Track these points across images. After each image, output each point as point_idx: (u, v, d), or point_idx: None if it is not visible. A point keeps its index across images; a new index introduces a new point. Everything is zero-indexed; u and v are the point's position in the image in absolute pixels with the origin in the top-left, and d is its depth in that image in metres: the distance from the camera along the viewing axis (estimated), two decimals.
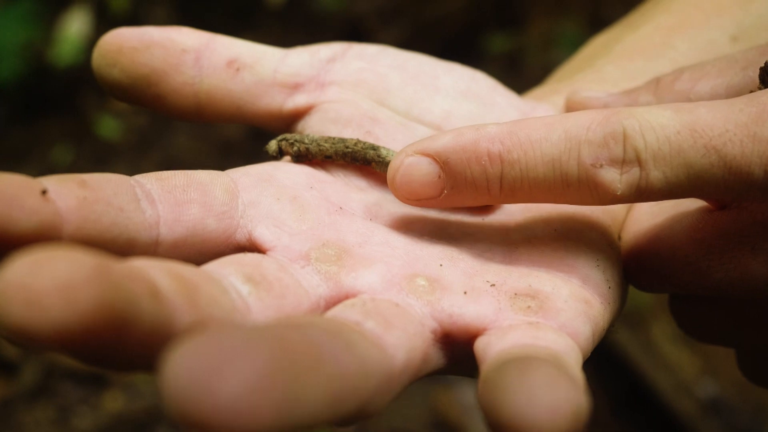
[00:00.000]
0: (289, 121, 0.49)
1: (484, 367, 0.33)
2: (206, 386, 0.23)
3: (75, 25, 2.32)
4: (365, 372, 0.30)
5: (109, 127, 2.24)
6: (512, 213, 0.45)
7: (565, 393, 0.28)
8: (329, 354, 0.28)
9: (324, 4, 3.04)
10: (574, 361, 0.35)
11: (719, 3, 0.55)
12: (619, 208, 0.47)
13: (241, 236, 0.41)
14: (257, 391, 0.24)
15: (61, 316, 0.24)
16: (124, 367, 0.29)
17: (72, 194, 0.34)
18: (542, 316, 0.38)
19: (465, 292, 0.39)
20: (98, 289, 0.25)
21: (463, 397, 1.73)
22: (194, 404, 0.23)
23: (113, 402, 1.66)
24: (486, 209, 0.46)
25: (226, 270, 0.36)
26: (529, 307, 0.38)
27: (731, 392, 1.68)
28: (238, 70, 0.47)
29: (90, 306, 0.24)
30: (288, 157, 0.47)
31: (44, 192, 0.33)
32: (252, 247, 0.41)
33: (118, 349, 0.27)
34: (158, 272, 0.30)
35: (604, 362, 1.80)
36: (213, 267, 0.36)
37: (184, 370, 0.23)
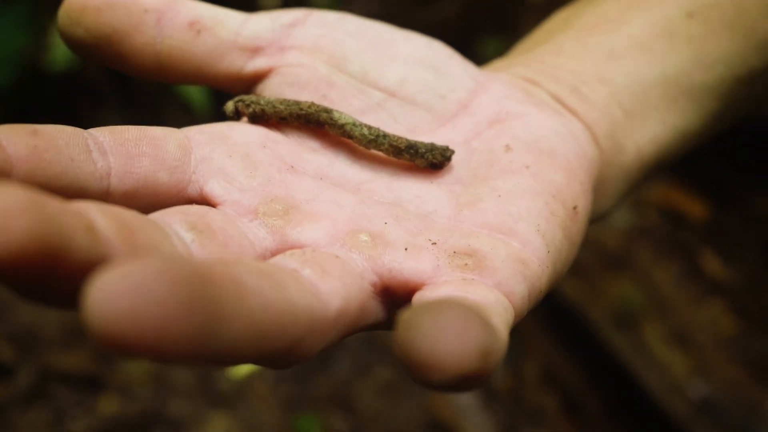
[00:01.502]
0: (249, 83, 0.50)
1: (405, 311, 0.34)
2: (123, 308, 0.24)
3: None
4: (293, 311, 0.31)
5: None
6: (460, 177, 0.47)
7: (475, 332, 0.28)
8: (254, 288, 0.29)
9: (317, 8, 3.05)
10: (500, 315, 0.36)
11: None
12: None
13: (192, 191, 0.42)
14: (173, 313, 0.24)
15: None
16: (58, 302, 0.30)
17: (23, 142, 0.35)
18: (478, 274, 0.39)
19: (406, 249, 0.40)
20: (31, 219, 0.26)
21: (458, 399, 1.74)
22: (112, 322, 0.24)
23: (108, 405, 1.67)
24: (435, 171, 0.47)
25: (171, 218, 0.37)
26: (466, 264, 0.40)
27: (723, 392, 1.69)
28: (199, 31, 0.47)
29: (22, 235, 0.25)
30: (245, 118, 0.48)
31: None
32: (203, 202, 0.42)
33: (51, 281, 0.27)
34: (97, 212, 0.31)
35: (597, 362, 1.81)
36: (158, 215, 0.37)
37: (104, 289, 0.24)
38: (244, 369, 1.76)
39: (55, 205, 0.27)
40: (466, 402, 1.74)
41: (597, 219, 0.55)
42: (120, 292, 0.24)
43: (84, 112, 2.28)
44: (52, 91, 2.32)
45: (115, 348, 0.24)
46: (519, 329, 1.94)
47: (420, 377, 0.28)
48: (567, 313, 1.87)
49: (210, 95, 1.85)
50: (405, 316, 0.30)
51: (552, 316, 1.89)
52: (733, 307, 1.89)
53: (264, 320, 0.29)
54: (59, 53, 2.25)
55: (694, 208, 2.11)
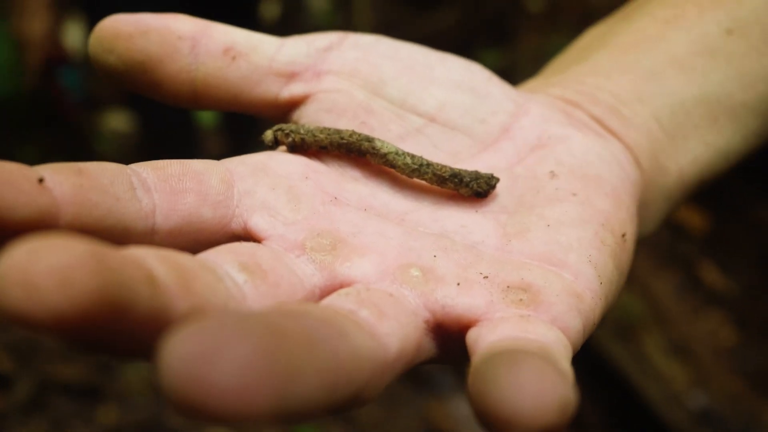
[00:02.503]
0: (285, 110, 0.49)
1: (475, 359, 0.33)
2: (203, 370, 0.23)
3: (68, 42, 2.33)
4: (359, 359, 0.31)
5: (105, 143, 2.24)
6: (506, 205, 0.46)
7: (552, 385, 0.28)
8: (323, 340, 0.29)
9: (317, 19, 3.06)
10: (563, 355, 0.36)
11: None
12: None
13: (236, 225, 0.41)
14: (253, 374, 0.24)
15: (58, 301, 0.24)
16: (121, 354, 0.29)
17: (68, 182, 0.34)
18: (534, 309, 0.39)
19: (458, 284, 0.40)
20: (95, 274, 0.25)
21: (456, 409, 1.74)
22: (191, 388, 0.23)
23: (107, 415, 1.66)
24: (480, 200, 0.46)
25: (222, 258, 0.36)
26: (521, 300, 0.39)
27: (722, 403, 1.69)
28: (234, 58, 0.47)
29: (86, 291, 0.25)
30: (284, 147, 0.48)
31: (41, 180, 0.33)
32: (247, 237, 0.41)
33: (115, 335, 0.27)
34: (154, 260, 0.31)
35: (597, 373, 1.81)
36: (209, 255, 0.37)
37: (182, 354, 0.24)
38: None
39: (115, 256, 0.27)
40: (464, 412, 1.74)
41: (638, 241, 0.54)
42: (195, 352, 0.24)
43: (84, 124, 2.28)
44: (51, 102, 2.32)
45: (194, 411, 0.24)
46: None
47: (498, 430, 0.28)
48: None
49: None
50: (479, 366, 0.30)
51: None
52: (733, 318, 1.90)
53: (335, 372, 0.28)
54: None
55: (693, 219, 2.12)
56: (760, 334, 1.86)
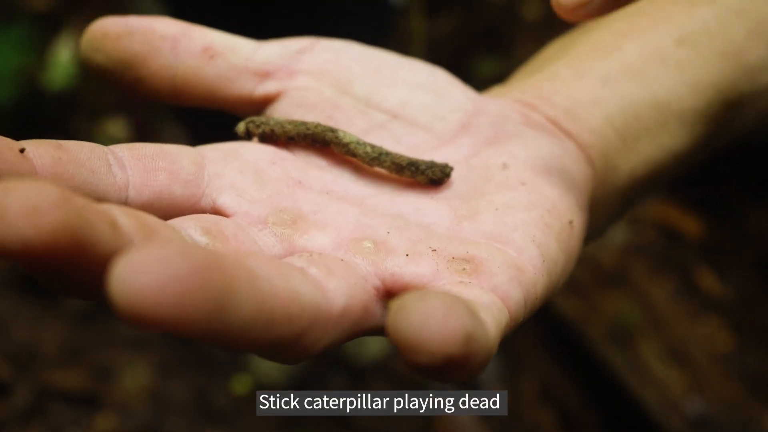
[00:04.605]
0: (260, 106, 0.53)
1: (394, 300, 0.37)
2: (146, 283, 0.26)
3: (68, 49, 2.33)
4: (299, 302, 0.34)
5: None
6: (459, 192, 0.49)
7: (458, 317, 0.30)
8: (265, 276, 0.32)
9: None
10: (492, 314, 0.38)
11: (667, 10, 0.59)
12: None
13: (205, 203, 0.44)
14: (187, 289, 0.27)
15: (25, 229, 0.27)
16: (79, 292, 0.33)
17: (48, 154, 0.38)
18: (475, 278, 0.42)
19: (407, 255, 0.43)
20: (60, 209, 0.28)
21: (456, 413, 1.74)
22: (132, 298, 0.26)
23: (106, 423, 1.66)
24: (435, 187, 0.49)
25: (186, 223, 0.39)
26: (464, 269, 0.42)
27: (719, 409, 1.69)
28: (212, 57, 0.50)
29: (53, 227, 0.27)
30: (256, 139, 0.51)
31: (22, 150, 0.37)
32: (215, 213, 0.44)
33: (76, 271, 0.30)
34: (118, 211, 0.33)
35: (593, 379, 1.81)
36: (174, 221, 0.39)
37: (126, 267, 0.26)
38: (244, 387, 1.76)
39: (81, 201, 0.30)
40: (464, 418, 1.74)
41: (593, 238, 0.57)
42: (144, 270, 0.26)
43: (82, 131, 2.29)
44: (51, 109, 2.33)
45: (137, 320, 0.26)
46: (516, 346, 1.94)
47: (409, 360, 0.31)
48: (563, 329, 1.87)
49: None
50: (395, 302, 0.32)
51: (548, 333, 1.89)
52: (729, 323, 1.90)
53: (272, 306, 0.31)
54: (57, 72, 2.26)
55: (689, 224, 2.12)
56: (757, 339, 1.86)
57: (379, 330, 0.42)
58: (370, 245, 0.43)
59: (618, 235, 2.03)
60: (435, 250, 0.43)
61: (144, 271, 0.26)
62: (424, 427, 1.71)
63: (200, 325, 0.28)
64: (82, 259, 0.29)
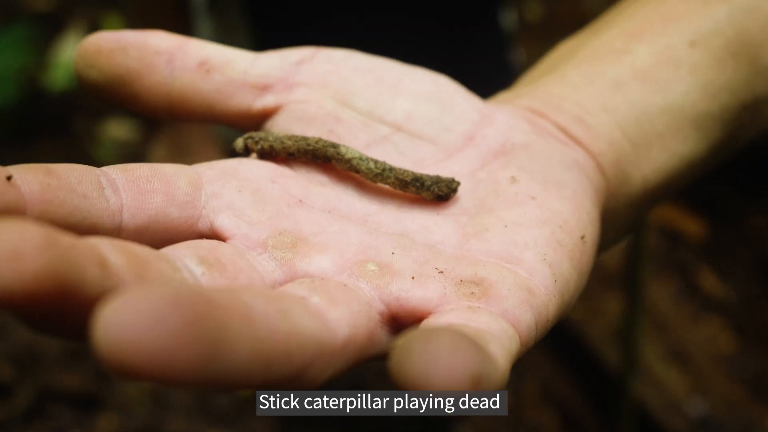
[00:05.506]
0: (258, 120, 0.51)
1: (399, 338, 0.34)
2: (130, 331, 0.25)
3: (69, 50, 2.34)
4: (300, 339, 0.32)
5: (104, 151, 2.25)
6: (467, 208, 0.47)
7: (465, 359, 0.29)
8: (260, 315, 0.30)
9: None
10: (502, 343, 0.37)
11: (678, 10, 0.57)
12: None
13: (203, 226, 0.42)
14: (178, 338, 0.25)
15: (7, 278, 0.26)
16: (68, 334, 0.31)
17: (36, 180, 0.36)
18: (485, 302, 0.40)
19: (413, 278, 0.41)
20: (43, 252, 0.27)
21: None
22: (119, 349, 0.25)
23: (107, 424, 1.66)
24: (441, 203, 0.48)
25: (181, 252, 0.37)
26: (472, 293, 0.40)
27: (721, 410, 1.69)
28: (208, 71, 0.49)
29: (36, 271, 0.26)
30: (254, 155, 0.49)
31: (9, 177, 0.35)
32: (213, 236, 0.42)
33: (63, 315, 0.28)
34: (109, 247, 0.32)
35: (595, 380, 1.81)
36: (168, 250, 0.38)
37: (111, 316, 0.25)
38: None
39: (67, 241, 0.28)
40: None
41: (606, 247, 0.55)
42: (127, 317, 0.25)
43: (83, 131, 2.29)
44: (52, 110, 2.33)
45: (122, 372, 0.25)
46: None
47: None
48: (565, 331, 1.87)
49: None
50: (400, 341, 0.30)
51: (550, 334, 1.89)
52: (731, 324, 1.90)
53: (270, 345, 0.30)
54: (59, 73, 2.26)
55: (690, 226, 2.12)
56: (759, 340, 1.86)
57: (384, 356, 0.40)
58: (374, 268, 0.41)
59: None
60: (442, 272, 0.41)
61: (129, 320, 0.25)
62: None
63: (191, 375, 0.26)
64: (70, 303, 0.28)
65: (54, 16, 2.63)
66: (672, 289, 1.94)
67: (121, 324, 0.25)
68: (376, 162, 0.47)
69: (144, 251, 0.34)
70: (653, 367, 1.76)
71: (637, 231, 1.45)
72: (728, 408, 1.70)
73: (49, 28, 2.48)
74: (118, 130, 2.41)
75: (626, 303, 1.50)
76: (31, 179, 0.36)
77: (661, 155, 0.53)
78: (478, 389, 0.29)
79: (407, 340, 0.30)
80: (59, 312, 0.28)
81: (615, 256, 1.95)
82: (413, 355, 0.29)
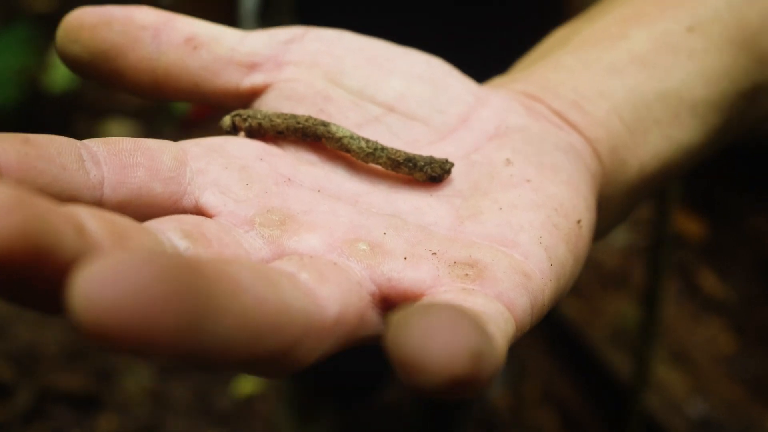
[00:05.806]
0: (247, 99, 0.50)
1: (394, 313, 0.33)
2: (108, 296, 0.23)
3: None
4: (289, 313, 0.31)
5: None
6: (460, 190, 0.46)
7: (465, 334, 0.28)
8: (248, 286, 0.29)
9: None
10: (499, 325, 0.36)
11: None
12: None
13: (187, 202, 0.41)
14: (161, 304, 0.24)
15: None
16: (43, 305, 0.29)
17: (13, 149, 0.34)
18: (479, 285, 0.39)
19: (405, 258, 0.40)
20: (18, 217, 0.25)
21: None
22: (97, 314, 0.23)
23: (108, 424, 1.66)
24: (435, 184, 0.47)
25: (165, 226, 0.36)
26: (466, 275, 0.39)
27: (721, 411, 1.69)
28: (195, 47, 0.47)
29: (8, 233, 0.25)
30: (242, 133, 0.48)
31: None
32: (198, 213, 0.41)
33: (35, 282, 0.27)
34: (88, 215, 0.30)
35: (595, 381, 1.81)
36: (152, 223, 0.36)
37: (89, 280, 0.24)
38: (246, 388, 1.76)
39: (43, 204, 0.27)
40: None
41: (601, 235, 0.54)
42: (105, 281, 0.24)
43: (83, 132, 2.29)
44: (52, 110, 2.33)
45: (98, 337, 0.24)
46: (518, 348, 1.94)
47: (409, 379, 0.28)
48: (566, 331, 1.87)
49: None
50: (396, 316, 0.29)
51: (551, 335, 1.89)
52: (731, 325, 1.90)
53: (258, 318, 0.28)
54: (59, 74, 2.26)
55: (691, 227, 2.12)
56: (760, 341, 1.86)
57: (374, 339, 0.39)
58: (365, 247, 0.40)
59: (620, 237, 2.02)
60: (435, 254, 0.40)
61: (106, 281, 0.23)
62: None
63: (173, 344, 0.24)
64: (43, 267, 0.26)
65: (54, 17, 2.62)
66: (672, 290, 1.94)
67: (99, 285, 0.23)
68: (367, 141, 0.46)
69: (125, 221, 0.32)
70: (653, 367, 1.76)
71: (657, 244, 1.43)
72: (728, 408, 1.70)
73: (49, 29, 2.48)
74: (118, 130, 2.40)
75: (644, 319, 1.48)
76: (8, 148, 0.34)
77: (659, 142, 0.53)
78: (476, 368, 0.28)
79: (405, 314, 0.29)
80: (32, 277, 0.27)
81: (613, 256, 1.95)
82: (411, 328, 0.27)
